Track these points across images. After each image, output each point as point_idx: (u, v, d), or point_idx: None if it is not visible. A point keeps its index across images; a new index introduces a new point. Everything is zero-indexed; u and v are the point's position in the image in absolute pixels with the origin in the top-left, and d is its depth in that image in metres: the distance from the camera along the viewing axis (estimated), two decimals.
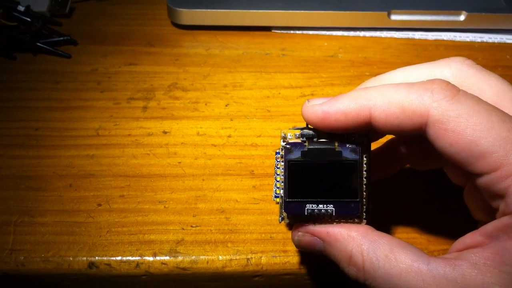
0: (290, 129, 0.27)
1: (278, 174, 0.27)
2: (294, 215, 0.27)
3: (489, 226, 0.23)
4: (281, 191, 0.27)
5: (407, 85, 0.24)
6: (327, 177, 0.26)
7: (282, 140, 0.27)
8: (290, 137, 0.27)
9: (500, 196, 0.23)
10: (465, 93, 0.23)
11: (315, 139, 0.26)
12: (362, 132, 0.26)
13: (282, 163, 0.26)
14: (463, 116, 0.22)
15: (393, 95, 0.24)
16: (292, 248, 0.31)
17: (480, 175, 0.23)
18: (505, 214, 0.23)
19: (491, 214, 0.24)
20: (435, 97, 0.23)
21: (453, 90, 0.23)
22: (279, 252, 0.31)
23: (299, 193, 0.26)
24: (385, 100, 0.24)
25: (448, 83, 0.24)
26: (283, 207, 0.26)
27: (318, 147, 0.26)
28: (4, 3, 0.46)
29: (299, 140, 0.26)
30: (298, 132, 0.27)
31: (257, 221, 0.33)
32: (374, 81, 0.29)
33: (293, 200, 0.26)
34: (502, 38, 0.49)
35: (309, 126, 0.27)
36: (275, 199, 0.28)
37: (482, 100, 0.23)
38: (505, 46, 0.48)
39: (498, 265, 0.22)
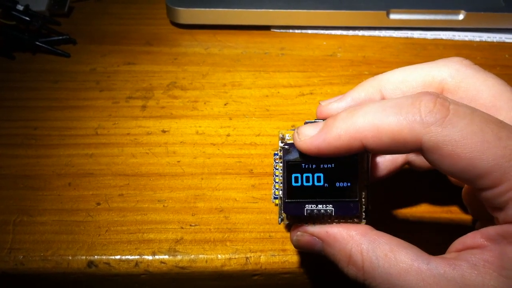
0: (289, 129, 0.27)
1: (277, 175, 0.27)
2: (294, 216, 0.27)
3: (491, 230, 0.23)
4: (280, 192, 0.27)
5: (394, 108, 0.23)
6: (326, 177, 0.26)
7: (280, 141, 0.27)
8: (288, 138, 0.27)
9: (499, 208, 0.23)
10: (457, 109, 0.22)
11: None
12: None
13: (281, 164, 0.26)
14: (457, 140, 0.22)
15: (382, 123, 0.23)
16: (291, 247, 0.31)
17: (479, 190, 0.23)
18: (506, 222, 0.23)
19: (490, 214, 0.24)
20: (425, 122, 0.22)
21: (443, 108, 0.22)
22: (278, 251, 0.31)
23: (298, 193, 0.26)
24: (375, 131, 0.23)
25: (436, 99, 0.23)
26: (282, 208, 0.26)
27: None
28: (3, 2, 0.46)
29: None
30: None
31: (256, 220, 0.33)
32: (372, 81, 0.29)
33: (292, 200, 0.26)
34: (501, 37, 0.49)
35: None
36: (274, 200, 0.28)
37: (476, 114, 0.22)
38: (504, 46, 0.49)
39: (497, 269, 0.22)
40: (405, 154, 0.31)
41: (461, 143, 0.22)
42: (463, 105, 0.23)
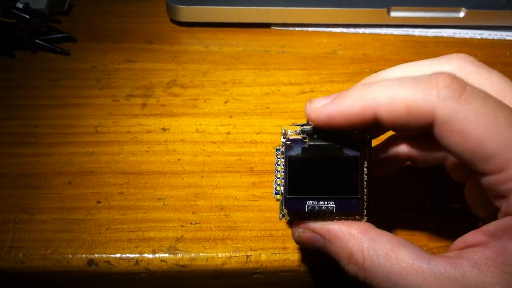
0: (290, 125, 0.27)
1: (279, 171, 0.27)
2: (295, 212, 0.27)
3: (491, 226, 0.23)
4: (282, 188, 0.26)
5: (411, 81, 0.23)
6: (328, 174, 0.26)
7: (282, 136, 0.26)
8: (290, 134, 0.26)
9: (503, 196, 0.22)
10: (472, 90, 0.23)
11: (315, 136, 0.26)
12: (366, 128, 0.26)
13: (283, 160, 0.26)
14: (470, 118, 0.22)
15: (397, 93, 0.23)
16: (291, 245, 0.31)
17: (484, 174, 0.23)
18: (507, 214, 0.22)
19: (492, 211, 0.24)
20: (441, 95, 0.22)
21: (459, 87, 0.23)
22: (278, 249, 0.31)
23: (299, 189, 0.26)
24: (390, 99, 0.23)
25: (453, 78, 0.23)
26: (283, 204, 0.26)
27: (319, 143, 0.26)
28: (3, 0, 0.45)
29: (299, 137, 0.26)
30: (298, 129, 0.26)
31: (257, 218, 0.33)
32: (373, 78, 0.28)
33: (293, 196, 0.26)
34: (502, 35, 0.49)
35: (310, 122, 0.27)
36: (275, 196, 0.28)
37: (490, 98, 0.23)
38: (505, 43, 0.48)
39: (499, 265, 0.22)
40: (406, 151, 0.31)
41: (474, 121, 0.22)
42: (478, 88, 0.23)
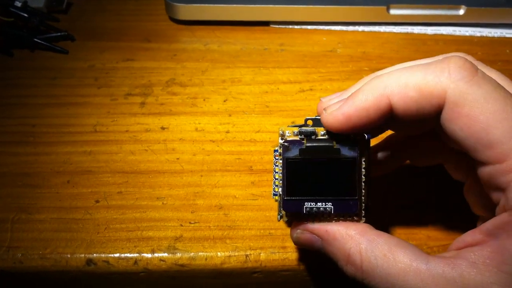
0: (288, 126, 0.27)
1: (277, 172, 0.27)
2: (293, 213, 0.27)
3: (489, 224, 0.23)
4: (280, 189, 0.26)
5: (422, 66, 0.24)
6: (326, 175, 0.26)
7: (280, 137, 0.26)
8: (288, 135, 0.26)
9: (501, 189, 0.22)
10: (484, 75, 0.23)
11: (313, 137, 0.26)
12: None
13: (280, 161, 0.26)
14: (479, 101, 0.22)
15: (409, 78, 0.23)
16: (291, 244, 0.31)
17: (484, 164, 0.23)
18: (505, 209, 0.22)
19: (491, 209, 0.24)
20: (452, 77, 0.22)
21: (471, 69, 0.23)
22: (278, 248, 0.31)
23: (297, 191, 0.26)
24: (402, 85, 0.23)
25: (465, 60, 0.23)
26: (281, 205, 0.26)
27: (317, 144, 0.26)
28: None
29: (297, 138, 0.26)
30: (296, 130, 0.26)
31: (256, 217, 0.33)
32: (373, 76, 0.28)
33: (291, 198, 0.26)
34: (502, 33, 0.49)
35: (308, 123, 0.27)
36: (274, 196, 0.28)
37: (500, 86, 0.23)
38: (505, 41, 0.48)
39: (497, 265, 0.22)
40: (405, 150, 0.31)
41: (482, 105, 0.22)
42: (489, 75, 0.23)
